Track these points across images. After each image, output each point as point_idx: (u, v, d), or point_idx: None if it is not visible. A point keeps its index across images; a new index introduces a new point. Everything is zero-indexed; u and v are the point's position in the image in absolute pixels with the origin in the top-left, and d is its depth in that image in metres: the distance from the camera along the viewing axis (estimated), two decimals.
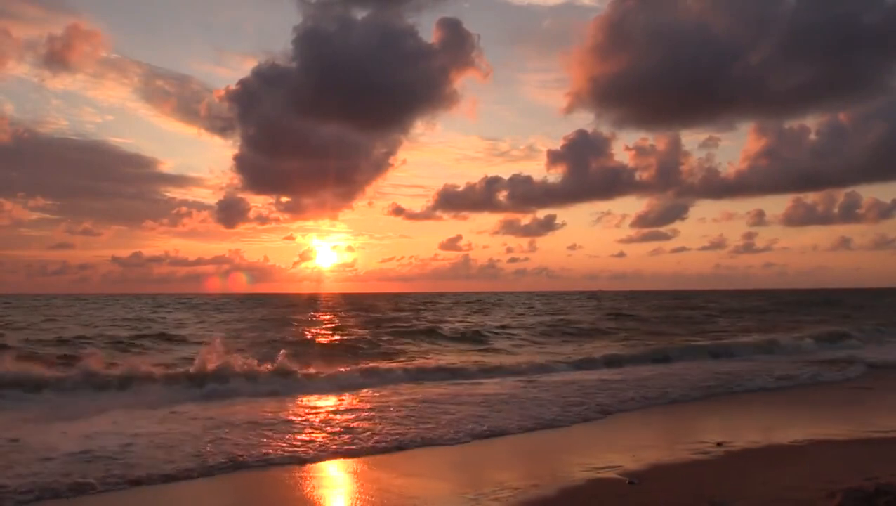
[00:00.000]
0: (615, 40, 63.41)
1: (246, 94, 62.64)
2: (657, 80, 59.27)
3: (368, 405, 11.34)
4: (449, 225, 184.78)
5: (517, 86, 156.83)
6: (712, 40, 55.33)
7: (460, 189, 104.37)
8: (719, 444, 8.30)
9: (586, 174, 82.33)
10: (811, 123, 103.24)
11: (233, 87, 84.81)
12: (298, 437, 8.75)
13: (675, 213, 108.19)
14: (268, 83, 59.82)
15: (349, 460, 7.80)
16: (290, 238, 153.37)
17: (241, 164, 73.48)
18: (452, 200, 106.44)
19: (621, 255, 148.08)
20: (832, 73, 58.19)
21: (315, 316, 43.20)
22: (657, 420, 10.81)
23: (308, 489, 6.59)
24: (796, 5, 58.67)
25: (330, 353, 19.99)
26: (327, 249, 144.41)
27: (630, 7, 63.97)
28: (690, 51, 55.47)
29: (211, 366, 13.97)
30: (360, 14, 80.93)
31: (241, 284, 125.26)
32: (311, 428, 9.38)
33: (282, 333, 26.81)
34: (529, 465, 7.74)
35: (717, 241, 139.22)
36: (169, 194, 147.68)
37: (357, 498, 6.26)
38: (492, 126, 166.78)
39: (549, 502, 5.97)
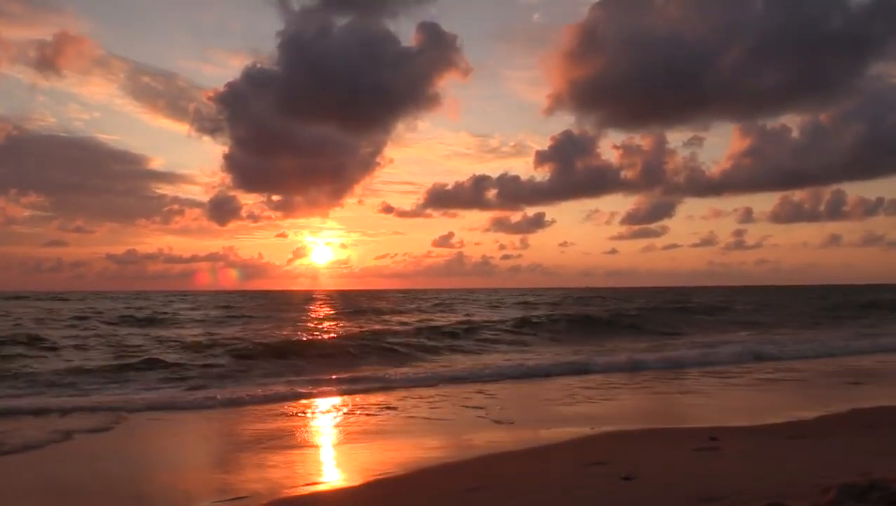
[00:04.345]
0: (592, 45, 63.87)
1: (233, 96, 63.64)
2: (635, 82, 59.80)
3: None
4: (440, 222, 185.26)
5: (505, 82, 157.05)
6: (691, 42, 55.86)
7: (449, 188, 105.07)
8: (713, 438, 8.25)
9: (573, 173, 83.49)
10: (793, 122, 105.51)
11: (221, 88, 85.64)
12: None
13: (663, 210, 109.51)
14: (255, 86, 60.95)
15: None
16: (283, 235, 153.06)
17: (231, 163, 74.50)
18: (442, 199, 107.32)
19: (613, 252, 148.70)
20: (808, 73, 58.81)
21: None
22: None
23: None
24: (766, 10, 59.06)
25: None
26: (321, 247, 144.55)
27: (607, 11, 64.37)
28: (668, 53, 55.92)
29: None
30: (341, 18, 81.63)
31: (238, 280, 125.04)
32: None
33: None
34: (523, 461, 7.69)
35: (708, 238, 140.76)
36: (160, 191, 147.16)
37: None
38: (481, 122, 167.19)
39: (539, 500, 5.90)
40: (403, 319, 36.29)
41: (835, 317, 38.79)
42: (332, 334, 26.15)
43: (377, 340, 22.54)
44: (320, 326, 31.81)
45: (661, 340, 26.91)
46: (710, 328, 32.22)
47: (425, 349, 21.65)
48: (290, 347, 20.49)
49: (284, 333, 26.77)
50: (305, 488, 6.77)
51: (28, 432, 9.56)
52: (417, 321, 32.81)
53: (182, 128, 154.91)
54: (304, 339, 23.72)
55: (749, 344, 22.96)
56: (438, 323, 30.90)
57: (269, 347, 19.84)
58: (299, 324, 33.95)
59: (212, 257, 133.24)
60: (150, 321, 33.68)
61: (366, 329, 28.10)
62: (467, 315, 38.65)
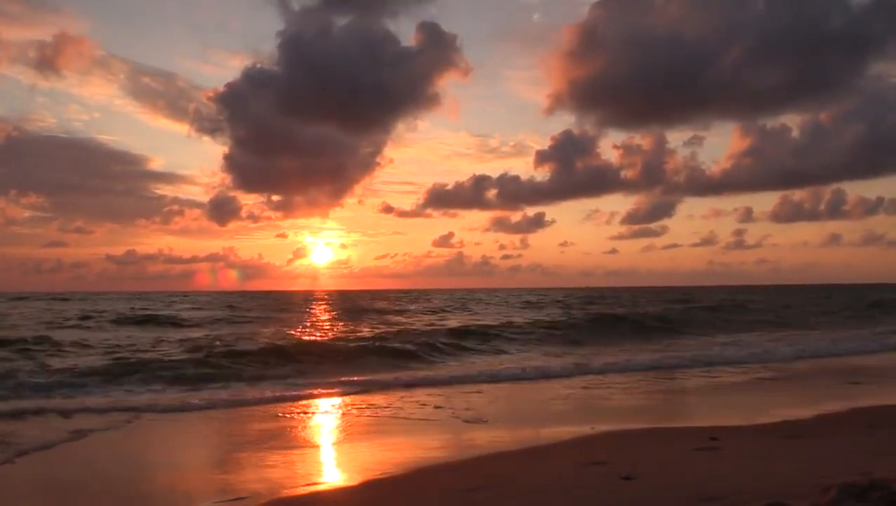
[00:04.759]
0: (592, 45, 63.86)
1: (234, 96, 63.56)
2: (635, 82, 59.79)
3: None
4: (440, 222, 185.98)
5: (505, 82, 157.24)
6: (691, 42, 55.85)
7: (449, 188, 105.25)
8: (713, 438, 8.24)
9: (573, 173, 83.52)
10: (793, 122, 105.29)
11: (221, 88, 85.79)
12: None
13: (663, 210, 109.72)
14: (255, 86, 60.84)
15: None
16: (283, 236, 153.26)
17: (231, 163, 74.57)
18: (442, 199, 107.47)
19: (614, 251, 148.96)
20: (808, 73, 58.76)
21: None
22: None
23: None
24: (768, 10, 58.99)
25: None
26: (321, 247, 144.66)
27: (607, 11, 64.34)
28: (668, 53, 55.92)
29: None
30: (342, 18, 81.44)
31: (238, 281, 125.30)
32: None
33: None
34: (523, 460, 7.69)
35: (708, 237, 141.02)
36: (160, 192, 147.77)
37: None
38: (481, 122, 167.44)
39: (541, 498, 5.90)
40: (414, 319, 36.07)
41: (858, 316, 38.45)
42: (334, 336, 26.14)
43: (383, 341, 22.41)
44: (323, 328, 31.80)
45: (697, 339, 26.46)
46: (727, 328, 31.40)
47: (443, 351, 21.18)
48: (293, 348, 20.45)
49: (287, 334, 26.76)
50: (305, 488, 6.78)
51: (30, 434, 9.57)
52: (427, 324, 32.15)
53: (182, 128, 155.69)
54: (307, 340, 23.71)
55: (781, 343, 23.12)
56: (453, 325, 29.97)
57: (270, 349, 19.81)
58: (302, 325, 33.96)
59: (212, 258, 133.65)
60: (152, 322, 33.70)
61: (370, 330, 28.09)
62: (473, 315, 38.40)
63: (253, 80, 62.59)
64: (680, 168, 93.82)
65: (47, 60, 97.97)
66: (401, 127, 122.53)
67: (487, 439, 9.10)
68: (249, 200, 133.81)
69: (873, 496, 4.63)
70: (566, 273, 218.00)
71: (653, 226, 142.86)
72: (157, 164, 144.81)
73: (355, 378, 15.49)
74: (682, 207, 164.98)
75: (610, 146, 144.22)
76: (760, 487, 5.63)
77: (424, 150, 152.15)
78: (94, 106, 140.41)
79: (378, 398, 12.88)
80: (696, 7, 61.51)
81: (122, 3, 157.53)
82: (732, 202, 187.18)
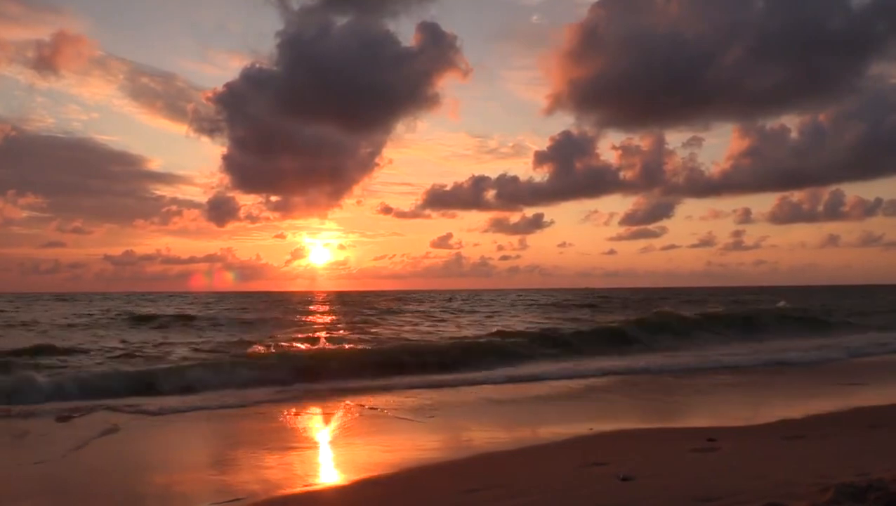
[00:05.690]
0: (592, 45, 63.86)
1: (232, 97, 63.51)
2: (635, 82, 59.82)
3: None
4: (438, 223, 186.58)
5: (505, 82, 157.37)
6: (691, 42, 55.90)
7: (448, 188, 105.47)
8: (710, 439, 8.23)
9: (572, 174, 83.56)
10: (793, 122, 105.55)
11: (220, 89, 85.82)
12: None
13: (662, 211, 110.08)
14: (254, 86, 60.73)
15: None
16: (282, 236, 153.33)
17: (230, 164, 74.51)
18: (441, 199, 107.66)
19: (612, 252, 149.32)
20: (808, 73, 58.76)
21: None
22: None
23: None
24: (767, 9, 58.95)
25: None
26: (319, 248, 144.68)
27: (607, 11, 64.33)
28: (668, 53, 55.94)
29: None
30: (341, 18, 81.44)
31: (236, 281, 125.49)
32: None
33: None
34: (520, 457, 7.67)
35: (707, 238, 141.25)
36: (158, 192, 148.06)
37: None
38: (481, 123, 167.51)
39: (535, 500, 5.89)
40: (432, 320, 35.51)
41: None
42: (338, 337, 26.08)
43: (387, 345, 22.25)
44: (327, 329, 31.72)
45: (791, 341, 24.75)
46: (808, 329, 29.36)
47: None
48: (296, 349, 20.41)
49: (290, 336, 26.72)
50: (301, 488, 6.76)
51: (27, 437, 9.56)
52: (447, 328, 31.40)
53: (180, 128, 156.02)
54: (309, 342, 23.68)
55: None
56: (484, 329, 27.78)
57: (273, 350, 19.75)
58: (306, 326, 33.93)
59: (210, 258, 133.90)
60: (152, 322, 33.66)
61: (366, 331, 28.06)
62: (497, 317, 37.26)
63: (252, 80, 62.69)
64: (679, 169, 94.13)
65: (46, 60, 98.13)
66: (400, 127, 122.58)
67: (485, 439, 9.09)
68: (248, 201, 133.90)
69: (871, 497, 4.62)
70: (564, 274, 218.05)
71: (651, 227, 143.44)
72: (155, 164, 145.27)
73: (355, 382, 15.45)
74: (680, 208, 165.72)
75: (609, 147, 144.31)
76: (759, 487, 5.62)
77: (423, 150, 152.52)
78: (93, 106, 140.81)
79: (380, 399, 12.86)
80: (696, 7, 61.56)
81: (121, 3, 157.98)
82: (731, 203, 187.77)
